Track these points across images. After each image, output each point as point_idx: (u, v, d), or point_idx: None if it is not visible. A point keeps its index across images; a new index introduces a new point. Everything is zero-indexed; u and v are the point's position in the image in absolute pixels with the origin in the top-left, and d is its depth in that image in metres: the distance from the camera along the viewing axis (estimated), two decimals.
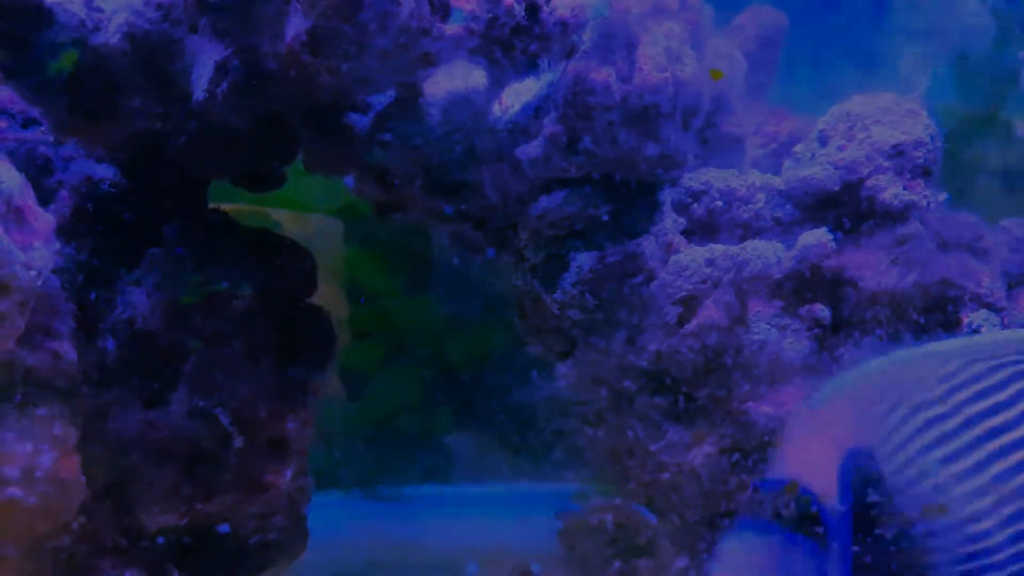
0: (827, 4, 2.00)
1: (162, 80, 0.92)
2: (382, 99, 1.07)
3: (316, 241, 1.91)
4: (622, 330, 1.10)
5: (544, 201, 1.13)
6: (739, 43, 1.22)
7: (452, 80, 1.04)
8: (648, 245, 1.09)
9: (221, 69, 0.87)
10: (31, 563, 0.86)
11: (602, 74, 0.96)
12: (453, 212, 1.20)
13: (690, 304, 1.04)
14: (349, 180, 1.26)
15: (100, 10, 0.87)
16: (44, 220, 0.80)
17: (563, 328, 1.16)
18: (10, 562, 0.84)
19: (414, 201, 1.18)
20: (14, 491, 0.78)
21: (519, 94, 1.05)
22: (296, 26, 0.84)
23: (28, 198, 0.79)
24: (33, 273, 0.77)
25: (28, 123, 1.14)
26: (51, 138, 1.12)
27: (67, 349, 0.89)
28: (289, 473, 1.13)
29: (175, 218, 1.17)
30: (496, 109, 1.06)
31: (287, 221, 1.97)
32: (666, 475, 1.10)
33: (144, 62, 0.89)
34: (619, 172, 1.05)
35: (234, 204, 1.39)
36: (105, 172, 1.14)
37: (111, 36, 0.87)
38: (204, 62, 0.88)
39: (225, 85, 0.88)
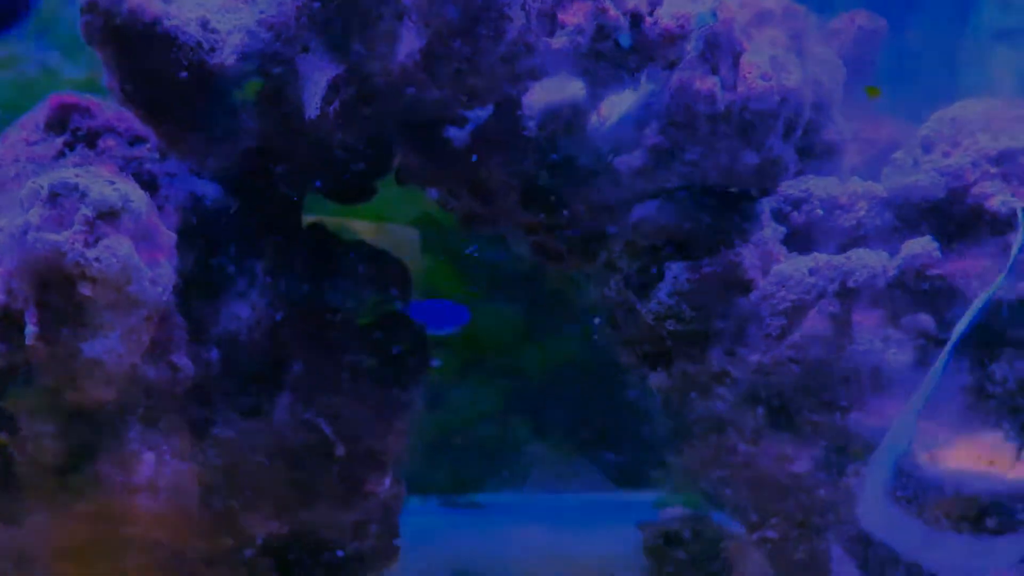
0: (909, 4, 1.95)
1: (274, 99, 0.94)
2: (480, 113, 1.07)
3: (394, 251, 1.93)
4: (721, 341, 1.09)
5: (639, 211, 1.12)
6: (836, 47, 1.20)
7: (550, 92, 1.04)
8: (747, 255, 1.08)
9: (333, 87, 0.89)
10: (151, 569, 0.89)
11: (707, 83, 0.96)
12: (546, 223, 1.21)
13: (793, 315, 1.02)
14: (432, 191, 1.27)
15: (216, 31, 0.89)
16: (167, 237, 0.82)
17: (658, 338, 1.15)
18: (133, 567, 0.86)
19: (508, 213, 1.18)
20: (140, 499, 0.81)
21: (618, 104, 1.05)
22: (409, 44, 0.85)
23: (153, 216, 0.81)
24: (159, 289, 0.79)
25: (135, 141, 1.17)
26: (156, 155, 1.16)
27: (184, 362, 0.91)
28: (388, 482, 1.15)
29: (275, 231, 1.20)
30: (594, 120, 1.05)
31: (366, 231, 2.00)
32: (766, 487, 1.08)
33: (257, 82, 0.91)
34: (721, 182, 1.04)
35: (316, 215, 1.42)
36: (207, 188, 1.17)
37: (227, 57, 0.89)
38: (316, 80, 0.90)
39: (337, 103, 0.89)
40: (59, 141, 1.14)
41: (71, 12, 1.99)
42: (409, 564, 1.33)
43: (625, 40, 0.89)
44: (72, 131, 1.15)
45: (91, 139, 1.15)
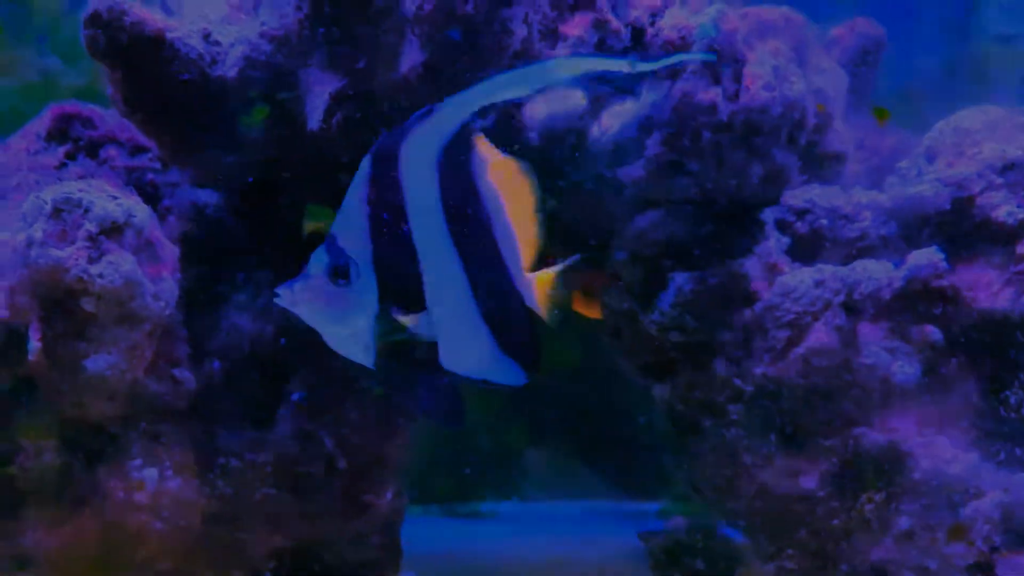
0: (910, 11, 1.95)
1: (276, 111, 0.94)
2: (480, 123, 1.07)
3: None
4: (725, 352, 1.08)
5: (640, 220, 1.12)
6: (836, 56, 1.19)
7: (551, 103, 1.04)
8: (751, 266, 1.07)
9: (336, 99, 0.89)
10: None
11: (709, 94, 0.95)
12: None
13: (799, 326, 1.01)
14: None
15: (218, 43, 0.89)
16: (170, 251, 0.82)
17: (660, 349, 1.14)
18: None
19: None
20: (142, 516, 0.80)
21: (619, 115, 1.04)
22: (412, 57, 0.85)
23: (156, 229, 0.81)
24: (162, 304, 0.79)
25: (136, 151, 1.17)
26: (158, 165, 1.15)
27: (186, 375, 0.91)
28: (389, 494, 1.14)
29: (277, 241, 1.19)
30: (595, 130, 1.05)
31: None
32: (771, 500, 1.07)
33: (260, 96, 0.90)
34: (724, 192, 1.04)
35: (315, 223, 1.41)
36: (208, 197, 1.16)
37: (228, 69, 0.88)
38: (319, 93, 0.89)
39: (340, 115, 0.89)
40: (61, 151, 1.14)
41: (72, 19, 1.99)
42: (409, 573, 1.32)
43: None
44: (73, 141, 1.15)
45: (93, 149, 1.15)
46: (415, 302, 0.77)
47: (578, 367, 1.92)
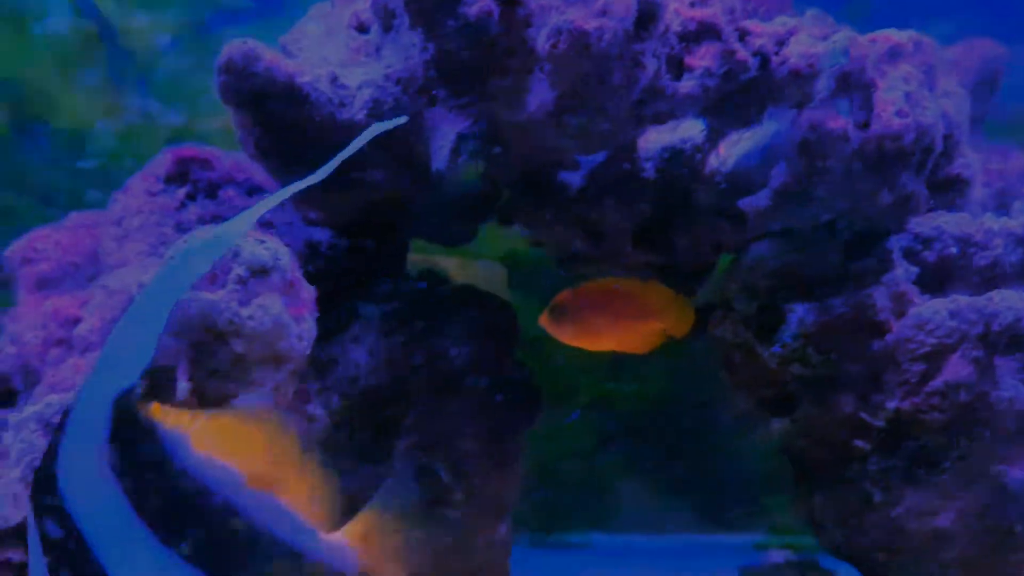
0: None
1: (401, 152, 0.95)
2: (595, 156, 1.07)
3: (481, 288, 1.93)
4: (852, 387, 1.05)
5: (756, 248, 1.10)
6: (958, 77, 1.16)
7: (667, 133, 1.03)
8: (879, 295, 1.04)
9: (463, 140, 0.89)
10: None
11: (839, 122, 0.93)
12: (656, 263, 1.19)
13: (935, 359, 0.98)
14: (523, 228, 1.26)
15: (345, 87, 0.90)
16: (308, 291, 0.83)
17: (779, 383, 1.12)
18: None
19: (617, 254, 1.17)
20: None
21: (737, 144, 1.03)
22: (541, 95, 0.85)
23: (297, 271, 0.82)
24: (304, 344, 0.80)
25: (252, 191, 1.20)
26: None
27: (319, 412, 0.92)
28: (504, 528, 1.13)
29: (386, 275, 1.21)
30: (713, 161, 1.04)
31: (454, 268, 2.00)
32: (903, 538, 1.03)
33: (386, 135, 0.91)
34: (851, 221, 1.01)
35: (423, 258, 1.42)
36: (321, 235, 1.18)
37: (356, 112, 0.90)
38: (445, 133, 0.90)
39: (465, 155, 0.89)
40: (181, 192, 1.17)
41: (169, 61, 2.05)
42: None
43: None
44: (193, 183, 1.18)
45: (211, 190, 1.18)
46: None
47: (671, 398, 1.89)
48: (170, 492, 0.59)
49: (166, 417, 0.60)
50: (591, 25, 0.79)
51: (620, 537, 1.93)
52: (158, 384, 0.79)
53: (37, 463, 0.78)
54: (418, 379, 1.13)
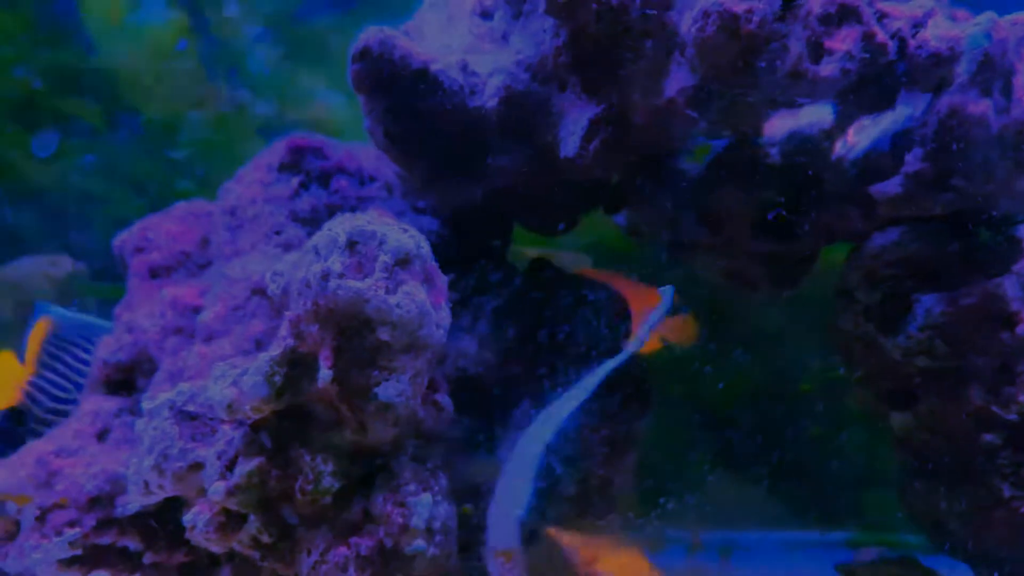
0: None
1: (529, 137, 0.94)
2: (717, 142, 1.05)
3: None
4: (981, 379, 1.02)
5: (879, 238, 1.07)
6: None
7: (794, 119, 1.00)
8: (1010, 285, 1.00)
9: (595, 125, 0.88)
10: None
11: (980, 107, 0.90)
12: (771, 251, 1.16)
13: None
14: (619, 217, 1.25)
15: (476, 74, 0.90)
16: (442, 280, 0.83)
17: (904, 375, 1.09)
18: None
19: (736, 242, 1.15)
20: (419, 543, 0.81)
21: (868, 130, 1.00)
22: (680, 80, 0.83)
23: (433, 260, 0.82)
24: (442, 332, 0.80)
25: (364, 180, 1.21)
26: (385, 193, 1.18)
27: (447, 400, 0.92)
28: (613, 517, 1.12)
29: (492, 264, 1.20)
30: (840, 147, 1.01)
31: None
32: None
33: (515, 122, 0.91)
34: (985, 208, 0.98)
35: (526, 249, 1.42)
36: (430, 224, 1.19)
37: (488, 99, 0.89)
38: (575, 119, 0.89)
39: (597, 141, 0.88)
40: (294, 181, 1.18)
41: (259, 51, 2.08)
42: None
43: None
44: (306, 172, 1.19)
45: (324, 179, 1.19)
46: None
47: (762, 392, 1.86)
48: None
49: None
50: (741, 8, 0.78)
51: (712, 534, 1.90)
52: (296, 374, 0.80)
53: (170, 451, 0.81)
54: (527, 368, 1.13)
